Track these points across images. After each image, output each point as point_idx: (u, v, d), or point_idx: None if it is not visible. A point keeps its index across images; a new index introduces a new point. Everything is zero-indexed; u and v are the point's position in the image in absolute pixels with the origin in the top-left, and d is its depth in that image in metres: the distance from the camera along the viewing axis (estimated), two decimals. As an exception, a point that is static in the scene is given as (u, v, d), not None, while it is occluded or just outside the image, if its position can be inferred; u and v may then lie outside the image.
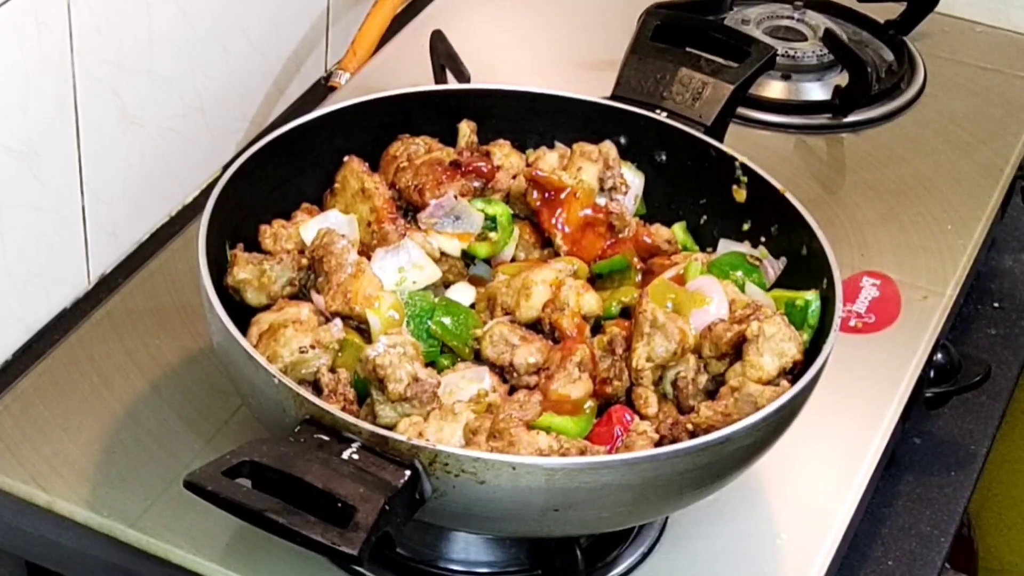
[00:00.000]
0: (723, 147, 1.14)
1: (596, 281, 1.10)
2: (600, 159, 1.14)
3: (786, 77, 1.50)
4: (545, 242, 1.12)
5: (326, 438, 0.88)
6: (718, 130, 1.18)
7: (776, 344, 0.99)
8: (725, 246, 1.13)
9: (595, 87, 1.23)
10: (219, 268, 1.03)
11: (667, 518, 1.07)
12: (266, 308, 1.03)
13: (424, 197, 1.10)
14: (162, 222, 1.33)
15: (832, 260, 1.04)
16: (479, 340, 1.02)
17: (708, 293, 1.04)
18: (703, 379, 1.01)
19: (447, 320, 1.02)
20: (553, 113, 1.18)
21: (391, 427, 0.93)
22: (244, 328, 0.99)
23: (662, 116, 1.18)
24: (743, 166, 1.13)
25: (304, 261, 1.05)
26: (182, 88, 1.30)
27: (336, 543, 0.82)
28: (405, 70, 1.43)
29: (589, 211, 1.11)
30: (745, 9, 1.58)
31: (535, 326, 1.04)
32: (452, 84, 1.35)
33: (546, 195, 1.11)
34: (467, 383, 0.99)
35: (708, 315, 1.02)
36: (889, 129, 1.46)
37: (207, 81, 1.33)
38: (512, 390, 1.00)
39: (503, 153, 1.15)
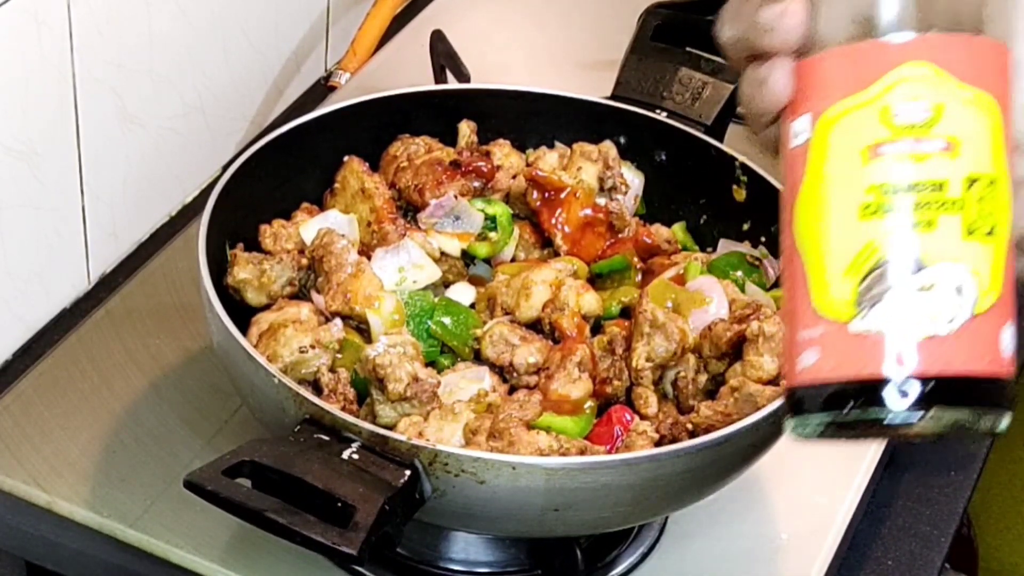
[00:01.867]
0: (723, 147, 1.14)
1: (596, 281, 1.10)
2: (600, 159, 1.14)
3: (786, 77, 1.49)
4: (545, 242, 1.12)
5: (326, 438, 0.88)
6: (718, 130, 1.18)
7: (776, 344, 0.99)
8: (725, 246, 1.13)
9: (595, 87, 1.23)
10: (219, 268, 1.03)
11: (667, 518, 1.07)
12: (266, 308, 1.03)
13: (424, 197, 1.10)
14: (162, 222, 1.33)
15: (832, 260, 1.04)
16: (479, 340, 1.02)
17: (708, 293, 1.04)
18: (703, 379, 1.01)
19: (447, 320, 1.03)
20: (553, 113, 1.18)
21: (391, 427, 0.93)
22: (244, 328, 0.99)
23: (662, 116, 1.18)
24: (743, 166, 1.13)
25: (304, 261, 1.05)
26: (182, 88, 1.30)
27: (336, 543, 0.82)
28: (405, 70, 1.43)
29: (589, 211, 1.11)
30: (745, 9, 1.57)
31: (535, 326, 1.04)
32: (452, 84, 1.35)
33: (546, 195, 1.11)
34: (467, 383, 0.99)
35: (708, 315, 1.02)
36: (889, 129, 1.46)
37: (207, 81, 1.33)
38: (512, 390, 1.00)
39: (503, 153, 1.15)
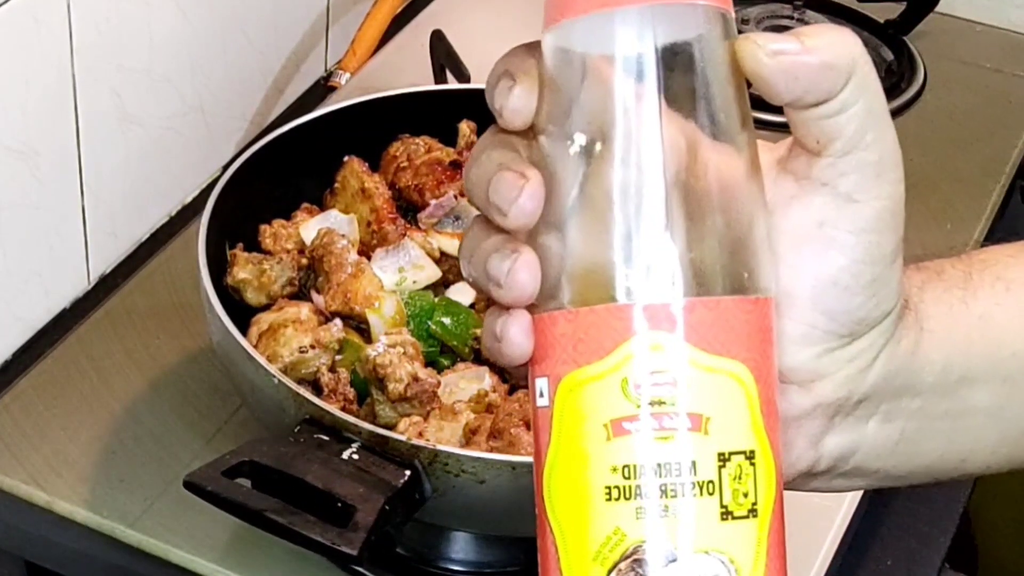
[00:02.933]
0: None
1: (596, 281, 1.10)
2: (600, 159, 1.14)
3: (786, 77, 1.49)
4: (545, 242, 1.12)
5: (326, 438, 0.88)
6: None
7: (776, 344, 0.99)
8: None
9: (595, 87, 1.22)
10: (219, 268, 1.03)
11: (667, 518, 1.06)
12: (266, 308, 1.03)
13: (424, 197, 1.10)
14: (162, 222, 1.33)
15: (832, 260, 1.03)
16: (479, 340, 1.02)
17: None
18: (703, 379, 1.01)
19: (447, 320, 1.02)
20: (553, 113, 1.18)
21: (391, 427, 0.93)
22: (244, 328, 0.99)
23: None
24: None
25: (304, 261, 1.05)
26: (182, 88, 1.30)
27: (336, 543, 0.82)
28: (405, 70, 1.43)
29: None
30: (745, 9, 1.58)
31: (535, 326, 1.04)
32: (452, 84, 1.35)
33: (546, 195, 1.11)
34: (467, 383, 0.99)
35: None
36: (889, 129, 1.46)
37: (207, 81, 1.33)
38: (512, 390, 1.00)
39: (503, 153, 1.15)
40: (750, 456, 0.50)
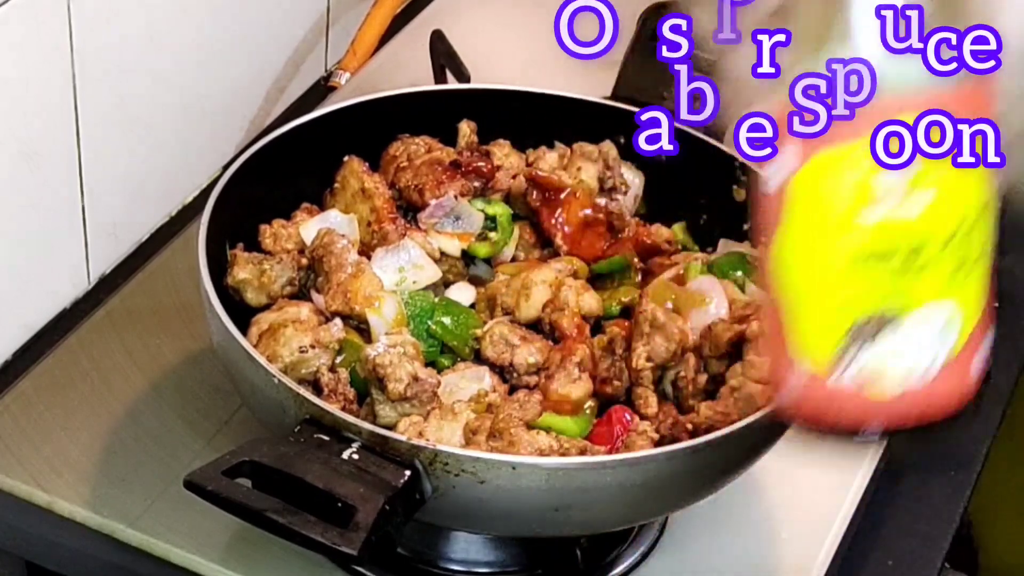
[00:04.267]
0: (723, 147, 1.14)
1: (596, 281, 1.10)
2: (600, 159, 1.14)
3: (786, 77, 1.49)
4: (545, 242, 1.12)
5: (326, 438, 0.88)
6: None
7: (776, 344, 0.99)
8: (725, 246, 1.13)
9: (595, 87, 1.23)
10: (219, 268, 1.03)
11: (667, 518, 1.07)
12: (266, 308, 1.03)
13: (424, 197, 1.10)
14: (162, 222, 1.33)
15: (832, 260, 1.03)
16: (479, 340, 1.02)
17: (708, 293, 1.04)
18: (703, 379, 1.01)
19: (447, 320, 1.03)
20: (553, 113, 1.18)
21: (391, 427, 0.93)
22: (244, 328, 0.99)
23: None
24: (743, 166, 1.12)
25: (304, 261, 1.05)
26: (182, 88, 1.30)
27: (336, 543, 0.82)
28: (405, 70, 1.43)
29: (589, 211, 1.11)
30: (745, 9, 1.58)
31: (535, 326, 1.04)
32: (452, 84, 1.35)
33: (546, 195, 1.11)
34: (467, 383, 0.99)
35: (708, 315, 1.02)
36: (889, 129, 1.45)
37: (207, 81, 1.33)
38: (512, 390, 1.00)
39: (503, 153, 1.15)
40: (984, 208, 0.56)
